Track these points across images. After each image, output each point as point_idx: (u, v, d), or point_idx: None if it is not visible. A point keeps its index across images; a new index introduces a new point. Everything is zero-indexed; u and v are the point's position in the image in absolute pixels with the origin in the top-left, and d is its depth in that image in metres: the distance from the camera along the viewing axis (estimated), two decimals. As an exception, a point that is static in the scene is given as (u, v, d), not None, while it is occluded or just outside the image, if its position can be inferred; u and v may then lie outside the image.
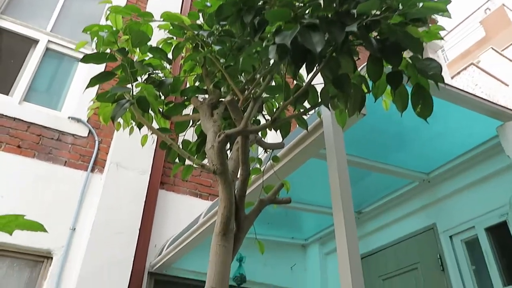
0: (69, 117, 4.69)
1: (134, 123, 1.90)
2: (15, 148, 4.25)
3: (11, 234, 0.89)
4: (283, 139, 2.04)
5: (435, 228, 3.78)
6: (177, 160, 2.05)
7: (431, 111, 1.34)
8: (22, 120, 4.43)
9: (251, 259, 4.35)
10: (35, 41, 5.15)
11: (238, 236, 1.44)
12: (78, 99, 4.87)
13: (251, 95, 1.46)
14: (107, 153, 4.69)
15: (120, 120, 1.83)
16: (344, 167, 1.86)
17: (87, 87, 1.57)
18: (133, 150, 4.64)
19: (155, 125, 2.12)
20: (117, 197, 4.29)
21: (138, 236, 4.21)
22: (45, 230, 0.91)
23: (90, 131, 4.74)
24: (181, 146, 2.10)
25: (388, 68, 1.36)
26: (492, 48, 15.14)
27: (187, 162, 2.04)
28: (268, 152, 1.99)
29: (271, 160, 2.01)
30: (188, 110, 2.07)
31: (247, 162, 1.48)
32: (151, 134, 2.11)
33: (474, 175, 3.50)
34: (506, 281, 3.13)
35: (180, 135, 2.06)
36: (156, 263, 4.16)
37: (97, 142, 4.68)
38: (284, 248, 5.14)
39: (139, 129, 1.99)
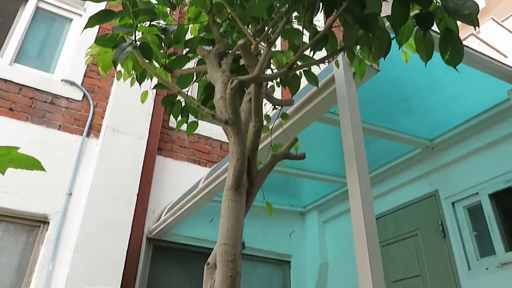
0: (62, 80, 4.53)
1: (134, 74, 1.77)
2: (7, 111, 4.10)
3: (3, 173, 0.79)
4: (292, 96, 1.93)
5: (437, 195, 3.75)
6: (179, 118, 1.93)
7: (461, 58, 1.24)
8: (13, 82, 4.26)
9: (250, 226, 4.32)
10: (24, 0, 4.90)
11: (250, 191, 1.36)
12: (71, 61, 4.69)
13: (266, 39, 1.35)
14: (102, 118, 4.56)
15: (120, 69, 1.71)
16: (358, 125, 1.76)
17: (85, 28, 1.44)
18: (129, 115, 4.52)
19: (155, 81, 2.00)
20: (114, 162, 4.20)
21: (136, 201, 4.14)
22: (42, 169, 0.81)
23: (84, 95, 4.59)
24: (183, 104, 1.99)
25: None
26: (492, 19, 14.89)
27: (191, 118, 1.94)
28: (277, 109, 1.89)
29: (279, 118, 1.91)
30: (191, 64, 1.95)
31: (260, 113, 1.38)
32: (152, 89, 1.99)
33: (479, 141, 3.44)
34: (508, 247, 3.12)
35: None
36: (155, 229, 4.12)
37: (92, 106, 4.54)
38: (283, 215, 5.12)
39: (140, 83, 1.86)
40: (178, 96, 1.94)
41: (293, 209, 5.20)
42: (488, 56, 2.70)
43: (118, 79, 1.79)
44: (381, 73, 2.43)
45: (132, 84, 1.78)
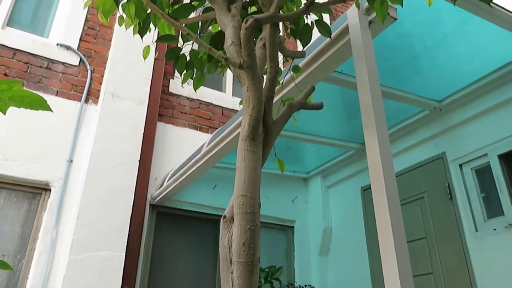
0: (57, 44, 4.37)
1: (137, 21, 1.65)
2: (1, 76, 3.97)
3: (4, 113, 0.70)
4: (303, 48, 1.82)
5: (444, 157, 3.69)
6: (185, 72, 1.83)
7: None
8: (7, 46, 4.10)
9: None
10: (14, -40, 4.67)
11: (266, 142, 1.28)
12: (66, 24, 4.52)
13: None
14: (100, 83, 4.44)
15: (122, 14, 1.59)
16: (375, 77, 1.66)
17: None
18: (128, 80, 4.40)
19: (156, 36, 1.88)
20: (114, 129, 4.11)
21: (138, 168, 4.08)
22: (49, 108, 0.72)
23: (81, 60, 4.44)
24: (188, 58, 1.88)
25: None
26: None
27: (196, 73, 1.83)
28: (288, 61, 1.79)
29: (291, 71, 1.81)
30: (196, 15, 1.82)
31: (276, 58, 1.28)
32: (154, 42, 1.88)
33: (489, 101, 3.35)
34: (517, 207, 3.09)
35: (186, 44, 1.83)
36: (158, 195, 4.07)
37: (89, 71, 4.40)
38: (286, 181, 5.09)
39: (142, 34, 1.74)
40: (183, 50, 1.83)
41: (296, 175, 5.16)
42: (503, 8, 2.57)
43: (120, 25, 1.67)
44: (390, 30, 2.32)
45: (135, 32, 1.66)
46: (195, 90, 1.81)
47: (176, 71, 1.87)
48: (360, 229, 4.36)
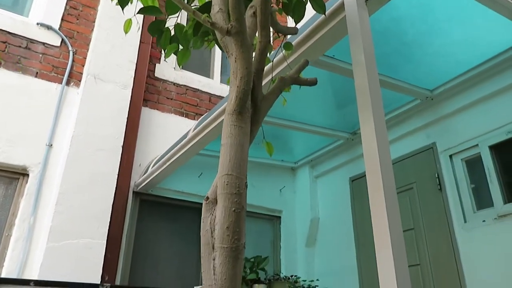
0: (38, 23, 4.17)
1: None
2: (-23, 55, 3.77)
3: None
4: (295, 25, 1.71)
5: (434, 148, 3.64)
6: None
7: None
8: (-17, 24, 3.90)
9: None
10: None
11: (255, 119, 1.18)
12: (47, 3, 4.32)
13: None
14: (83, 65, 4.26)
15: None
16: (372, 57, 1.56)
17: None
18: (112, 63, 4.23)
19: (140, 5, 1.75)
20: (96, 112, 3.95)
21: (121, 153, 3.94)
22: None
23: (63, 40, 4.26)
24: (173, 32, 1.76)
25: None
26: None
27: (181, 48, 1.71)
28: (280, 37, 1.68)
29: (282, 49, 1.70)
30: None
31: (267, 26, 1.17)
32: (136, 14, 1.75)
33: (481, 91, 3.29)
34: (507, 198, 3.05)
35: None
36: (141, 182, 3.95)
37: (71, 53, 4.23)
38: (273, 170, 5.00)
39: (122, 7, 1.61)
40: (167, 23, 1.70)
41: (284, 164, 5.08)
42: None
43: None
44: (382, 14, 2.22)
45: (117, 3, 1.53)
46: (180, 66, 1.69)
47: (163, 52, 1.74)
48: (348, 219, 4.30)
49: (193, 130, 3.05)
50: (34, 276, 3.26)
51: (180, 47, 1.64)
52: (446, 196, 3.42)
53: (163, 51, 1.72)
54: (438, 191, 3.49)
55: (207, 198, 1.07)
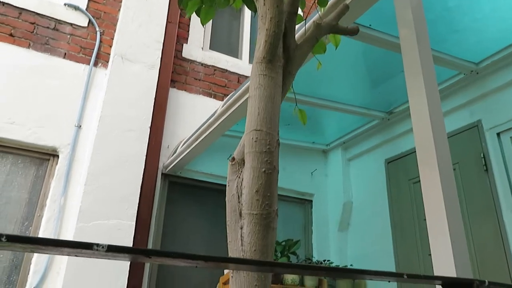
0: (65, 4, 4.14)
1: None
2: (7, 37, 3.78)
3: None
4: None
5: (479, 126, 3.37)
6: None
7: None
8: (12, 5, 3.90)
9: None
10: None
11: (287, 71, 1.02)
12: (74, -17, 4.27)
13: None
14: (110, 46, 4.21)
15: None
16: (422, 18, 1.37)
17: None
18: (139, 43, 4.16)
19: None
20: (124, 93, 3.90)
21: (149, 135, 3.88)
22: None
23: (90, 21, 4.21)
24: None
25: None
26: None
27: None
28: None
29: (317, 5, 1.53)
30: None
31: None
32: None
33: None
34: None
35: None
36: (170, 164, 3.88)
37: (98, 33, 4.18)
38: (304, 153, 4.83)
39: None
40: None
41: (316, 147, 4.90)
42: None
43: None
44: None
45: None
46: (203, 25, 1.55)
47: (184, 10, 1.61)
48: (383, 203, 4.10)
49: (222, 106, 2.93)
50: (65, 256, 3.26)
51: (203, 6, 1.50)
52: (493, 177, 3.16)
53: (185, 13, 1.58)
54: (484, 172, 3.23)
55: (233, 158, 0.94)
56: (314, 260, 3.86)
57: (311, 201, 4.73)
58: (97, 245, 0.45)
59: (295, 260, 3.75)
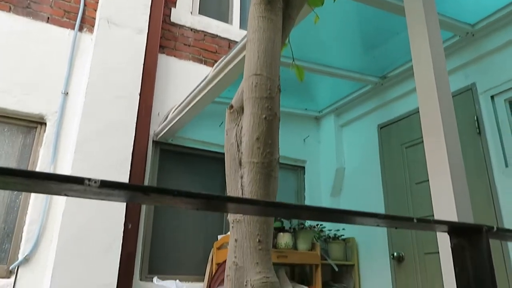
0: (46, -35, 3.93)
1: None
2: (-15, -1, 3.60)
3: None
4: None
5: (474, 89, 3.35)
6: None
7: None
8: (-10, -34, 3.69)
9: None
10: None
11: (287, 14, 0.96)
12: None
13: None
14: (95, 10, 4.05)
15: None
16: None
17: None
18: (125, 6, 4.00)
19: None
20: (111, 59, 3.78)
21: (139, 101, 3.79)
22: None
23: (73, -17, 4.02)
24: None
25: None
26: None
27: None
28: None
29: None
30: None
31: None
32: None
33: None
34: (556, 140, 2.79)
35: None
36: (161, 131, 3.82)
37: (82, -4, 4.00)
38: (297, 120, 4.80)
39: None
40: None
41: (308, 114, 4.86)
42: None
43: None
44: None
45: None
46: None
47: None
48: (376, 168, 4.11)
49: (214, 70, 2.85)
50: (57, 223, 3.24)
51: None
52: (485, 140, 3.17)
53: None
54: (477, 135, 3.24)
55: (231, 106, 0.89)
56: (306, 224, 3.89)
57: (304, 167, 4.73)
58: (89, 179, 0.40)
59: (288, 225, 3.78)
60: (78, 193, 0.43)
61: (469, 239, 0.75)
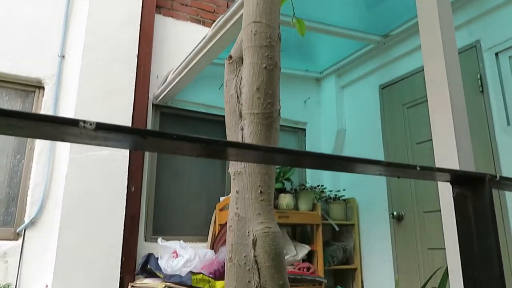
0: None
1: None
2: (-27, -42, 3.46)
3: None
4: None
5: (478, 46, 3.28)
6: None
7: None
8: None
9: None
10: None
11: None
12: None
13: None
14: (88, -32, 3.90)
15: None
16: None
17: None
18: (119, -37, 3.85)
19: None
20: (107, 20, 3.68)
21: (137, 64, 3.73)
22: None
23: None
24: None
25: None
26: None
27: None
28: None
29: None
30: None
31: None
32: None
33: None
34: (560, 97, 2.76)
35: None
36: (160, 93, 3.78)
37: (74, -46, 3.85)
38: (297, 81, 4.74)
39: None
40: None
41: (309, 75, 4.79)
42: None
43: None
44: None
45: None
46: None
47: None
48: (377, 129, 4.10)
49: (212, 29, 2.78)
50: (61, 187, 3.27)
51: None
52: (488, 97, 3.14)
53: None
54: (480, 93, 3.20)
55: (230, 57, 0.87)
56: (308, 185, 3.93)
57: (304, 129, 4.73)
58: (84, 121, 0.39)
59: (290, 186, 3.82)
60: (74, 137, 0.42)
61: (472, 188, 0.75)
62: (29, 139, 3.46)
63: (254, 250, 0.77)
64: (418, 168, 0.64)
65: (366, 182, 4.09)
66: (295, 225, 3.95)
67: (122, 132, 0.41)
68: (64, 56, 3.63)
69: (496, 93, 3.10)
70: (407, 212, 3.70)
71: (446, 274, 1.30)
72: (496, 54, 3.15)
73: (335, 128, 4.56)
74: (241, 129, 0.78)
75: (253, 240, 0.76)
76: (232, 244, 0.81)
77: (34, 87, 3.56)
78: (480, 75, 3.21)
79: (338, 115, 4.58)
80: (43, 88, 3.55)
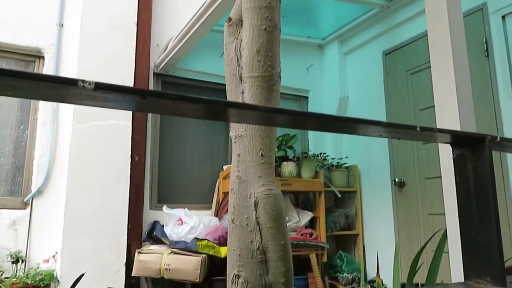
0: None
1: None
2: None
3: None
4: None
5: (484, 9, 3.20)
6: None
7: None
8: None
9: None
10: None
11: None
12: None
13: None
14: None
15: None
16: None
17: None
18: None
19: None
20: (105, -14, 3.60)
21: (137, 32, 3.68)
22: None
23: None
24: None
25: None
26: None
27: None
28: None
29: None
30: None
31: None
32: None
33: None
34: None
35: None
36: (161, 62, 3.74)
37: None
38: (299, 48, 4.67)
39: None
40: None
41: (311, 41, 4.72)
42: None
43: None
44: None
45: None
46: None
47: None
48: (380, 95, 4.07)
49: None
50: (65, 156, 3.30)
51: None
52: (493, 62, 3.10)
53: None
54: (485, 57, 3.15)
55: (229, 19, 0.85)
56: (310, 153, 3.95)
57: (307, 97, 4.70)
58: (83, 81, 0.39)
59: (292, 154, 3.84)
60: (74, 98, 0.42)
61: (472, 149, 0.75)
62: (31, 110, 3.47)
63: (256, 212, 0.78)
64: (418, 129, 0.64)
65: (368, 149, 4.11)
66: (298, 192, 3.99)
67: (121, 92, 0.41)
68: (62, 25, 3.58)
69: (502, 58, 3.05)
70: (408, 179, 3.73)
71: (444, 235, 1.33)
72: (503, 17, 3.08)
73: (338, 96, 4.53)
74: (241, 93, 0.78)
75: (254, 202, 0.78)
76: (234, 206, 0.83)
77: (34, 56, 3.53)
78: (485, 40, 3.15)
79: (341, 82, 4.54)
80: (43, 57, 3.52)
